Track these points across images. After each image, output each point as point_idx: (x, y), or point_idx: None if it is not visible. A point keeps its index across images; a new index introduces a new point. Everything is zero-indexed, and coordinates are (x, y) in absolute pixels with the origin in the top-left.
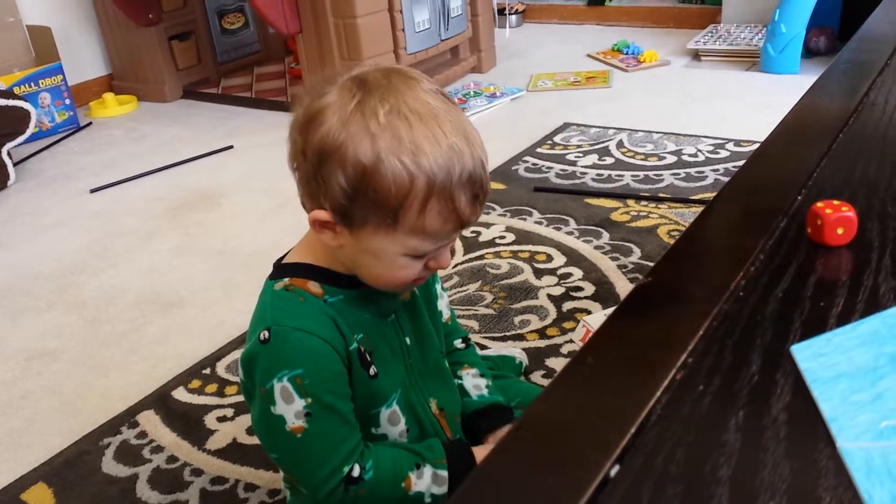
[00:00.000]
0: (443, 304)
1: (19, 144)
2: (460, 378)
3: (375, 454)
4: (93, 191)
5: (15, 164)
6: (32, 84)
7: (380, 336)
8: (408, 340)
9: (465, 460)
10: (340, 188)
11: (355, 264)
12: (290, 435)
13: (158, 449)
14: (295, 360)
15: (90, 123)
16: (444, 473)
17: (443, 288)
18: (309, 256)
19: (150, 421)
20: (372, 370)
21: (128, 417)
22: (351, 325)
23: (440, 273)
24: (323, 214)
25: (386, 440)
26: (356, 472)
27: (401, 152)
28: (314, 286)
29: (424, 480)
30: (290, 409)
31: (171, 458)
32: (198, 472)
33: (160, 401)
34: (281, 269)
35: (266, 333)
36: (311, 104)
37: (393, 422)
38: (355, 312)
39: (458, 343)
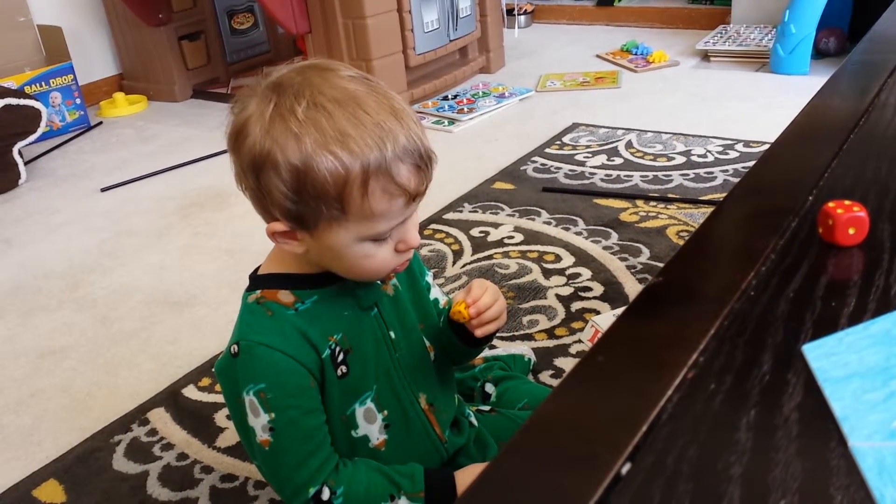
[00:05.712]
0: (437, 293)
1: (30, 143)
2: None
3: (349, 479)
4: (103, 190)
5: (26, 163)
6: (43, 83)
7: (360, 331)
8: (392, 334)
9: (446, 492)
10: (282, 193)
11: (326, 263)
12: (261, 447)
13: (169, 446)
14: (258, 375)
15: (100, 123)
16: None
17: (433, 278)
18: (279, 265)
19: (160, 419)
20: (340, 371)
21: (138, 415)
22: (326, 328)
23: (444, 267)
24: (278, 225)
25: (367, 443)
26: (325, 495)
27: (328, 143)
28: (285, 295)
29: None
30: (258, 422)
31: (182, 456)
32: (208, 470)
33: (170, 399)
34: (254, 280)
35: (236, 347)
36: (235, 120)
37: (369, 419)
38: (332, 310)
39: None
